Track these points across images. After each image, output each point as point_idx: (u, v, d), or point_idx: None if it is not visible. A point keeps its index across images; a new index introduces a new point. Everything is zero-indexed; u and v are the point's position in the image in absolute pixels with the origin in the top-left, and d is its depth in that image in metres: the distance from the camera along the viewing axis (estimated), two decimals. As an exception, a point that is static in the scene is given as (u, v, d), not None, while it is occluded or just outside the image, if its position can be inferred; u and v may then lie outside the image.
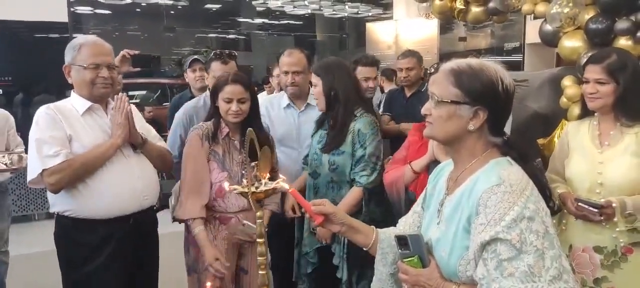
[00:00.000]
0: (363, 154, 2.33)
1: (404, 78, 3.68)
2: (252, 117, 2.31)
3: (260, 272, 1.39)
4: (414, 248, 1.27)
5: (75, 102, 2.09)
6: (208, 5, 14.54)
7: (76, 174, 1.98)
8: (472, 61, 1.24)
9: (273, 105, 2.90)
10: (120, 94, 2.12)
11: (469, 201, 1.19)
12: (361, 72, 3.11)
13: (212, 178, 2.25)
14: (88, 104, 2.08)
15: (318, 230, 2.38)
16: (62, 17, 5.67)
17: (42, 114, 2.02)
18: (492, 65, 1.23)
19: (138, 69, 2.63)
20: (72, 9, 6.22)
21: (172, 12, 13.95)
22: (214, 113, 2.32)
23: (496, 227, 1.11)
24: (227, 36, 16.44)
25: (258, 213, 1.37)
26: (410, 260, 1.28)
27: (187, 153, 2.27)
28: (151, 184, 2.19)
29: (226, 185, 1.49)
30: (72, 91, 2.13)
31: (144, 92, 9.76)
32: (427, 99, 1.28)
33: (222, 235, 2.27)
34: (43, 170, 1.94)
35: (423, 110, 1.28)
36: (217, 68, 2.80)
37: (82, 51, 2.04)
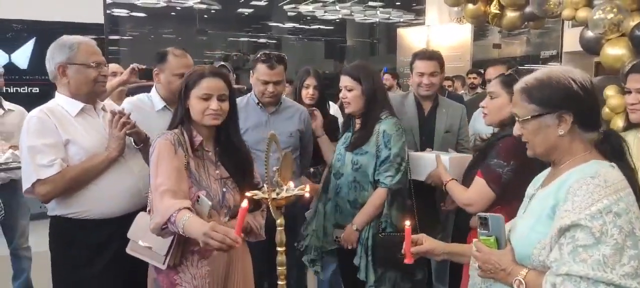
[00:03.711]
0: (388, 155, 2.34)
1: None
2: (230, 122, 1.88)
3: (279, 283, 1.33)
4: (493, 229, 1.30)
5: (65, 104, 2.04)
6: (240, 10, 14.70)
7: (68, 186, 1.94)
8: (537, 73, 1.31)
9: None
10: (119, 108, 2.10)
11: (559, 191, 1.22)
12: (417, 66, 2.81)
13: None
14: (80, 105, 2.04)
15: (344, 236, 2.39)
16: (98, 18, 5.81)
17: (35, 119, 1.96)
18: (558, 68, 1.28)
19: (144, 81, 2.68)
20: (108, 11, 6.36)
21: (205, 16, 14.15)
22: (182, 117, 1.84)
23: (580, 214, 1.12)
24: (258, 40, 16.59)
25: (278, 221, 1.32)
26: (486, 240, 1.31)
27: (159, 157, 1.74)
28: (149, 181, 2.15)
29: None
30: (56, 92, 2.08)
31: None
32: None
33: (202, 273, 1.79)
34: (36, 180, 1.91)
35: (514, 132, 1.36)
36: (263, 72, 2.55)
37: (81, 49, 2.02)
